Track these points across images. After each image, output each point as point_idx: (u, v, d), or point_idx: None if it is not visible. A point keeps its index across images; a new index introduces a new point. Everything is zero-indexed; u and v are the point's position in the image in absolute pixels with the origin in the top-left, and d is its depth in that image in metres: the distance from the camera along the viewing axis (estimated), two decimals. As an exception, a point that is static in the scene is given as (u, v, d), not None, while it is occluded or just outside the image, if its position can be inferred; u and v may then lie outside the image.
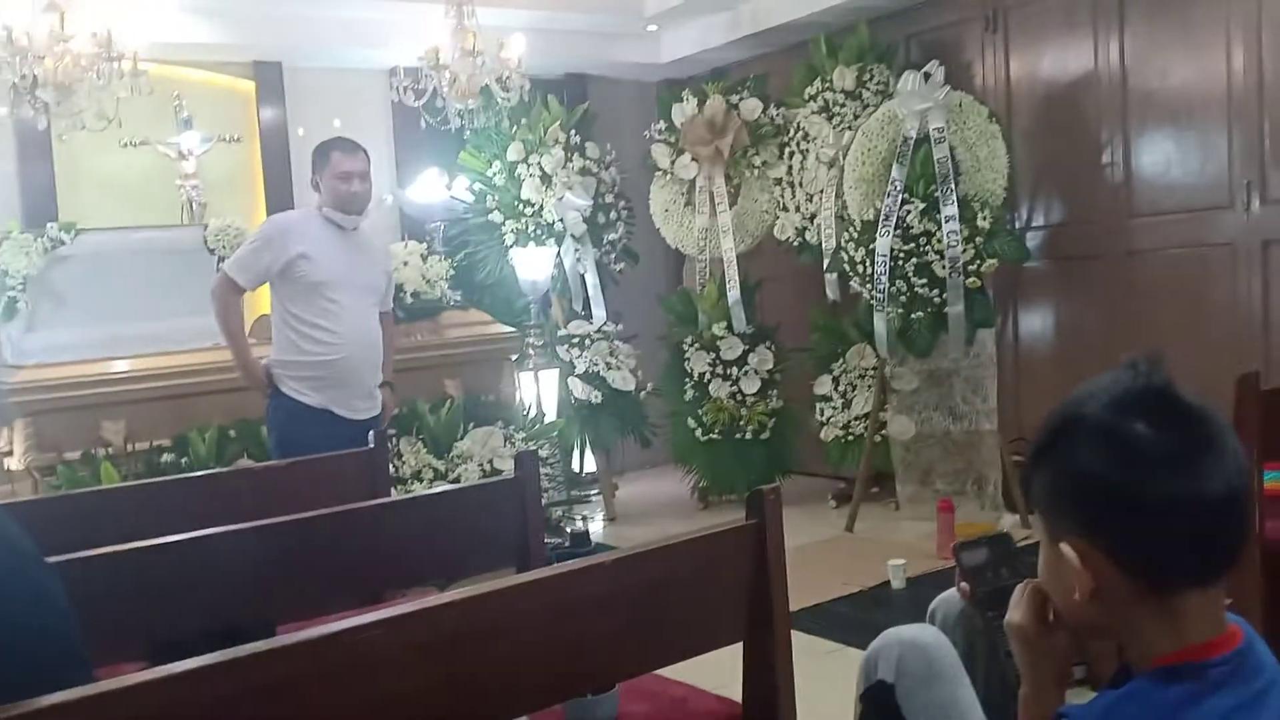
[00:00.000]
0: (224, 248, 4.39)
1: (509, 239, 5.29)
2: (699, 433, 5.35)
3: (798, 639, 3.01)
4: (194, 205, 4.82)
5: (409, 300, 4.59)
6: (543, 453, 4.64)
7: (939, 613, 1.51)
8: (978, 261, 4.49)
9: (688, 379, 5.41)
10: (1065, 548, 1.03)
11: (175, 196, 4.83)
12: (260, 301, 4.19)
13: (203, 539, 1.94)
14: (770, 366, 5.38)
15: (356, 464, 2.74)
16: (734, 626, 1.70)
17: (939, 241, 4.51)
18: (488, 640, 1.42)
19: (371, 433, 2.76)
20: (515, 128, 5.30)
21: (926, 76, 4.66)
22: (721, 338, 5.36)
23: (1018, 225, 4.91)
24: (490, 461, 4.29)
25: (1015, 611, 1.14)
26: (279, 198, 5.22)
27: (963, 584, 1.34)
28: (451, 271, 4.84)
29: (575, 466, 5.48)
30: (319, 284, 3.38)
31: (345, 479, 2.65)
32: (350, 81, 5.52)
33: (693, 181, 5.46)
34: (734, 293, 5.34)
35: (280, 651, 1.23)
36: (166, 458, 3.91)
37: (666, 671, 1.78)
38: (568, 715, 1.74)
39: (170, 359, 4.09)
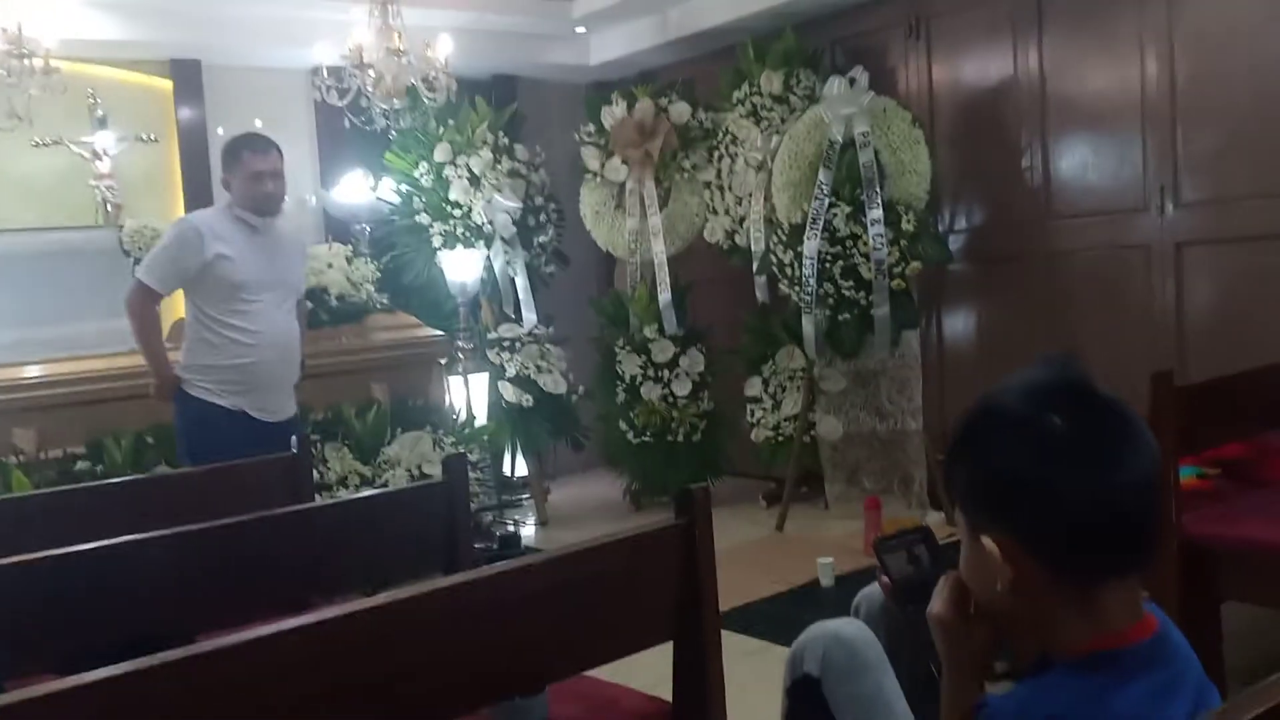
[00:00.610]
0: (140, 249, 4.27)
1: (437, 241, 5.23)
2: (631, 435, 5.35)
3: (728, 638, 3.02)
4: (109, 206, 4.69)
5: (334, 303, 4.52)
6: (473, 457, 4.60)
7: (862, 607, 1.53)
8: (902, 264, 4.57)
9: (619, 382, 5.40)
10: (986, 540, 1.04)
11: (90, 197, 4.70)
12: (176, 304, 4.09)
13: (118, 547, 1.88)
14: (701, 369, 5.40)
15: (279, 470, 2.68)
16: (664, 626, 1.69)
17: (865, 244, 4.57)
18: (412, 645, 1.40)
19: (294, 437, 2.70)
20: (442, 129, 5.25)
21: (851, 82, 4.72)
22: (653, 340, 5.36)
23: (941, 228, 5.00)
24: (419, 466, 4.24)
25: (936, 603, 1.15)
26: (198, 198, 5.10)
27: (883, 578, 1.36)
28: (378, 274, 4.78)
29: (506, 470, 5.44)
30: (236, 284, 3.30)
31: (268, 485, 2.59)
32: (272, 80, 5.42)
33: (623, 184, 5.46)
34: (665, 295, 5.36)
35: (195, 660, 1.19)
36: (81, 465, 3.79)
37: (597, 672, 1.76)
38: None
39: (84, 363, 3.97)
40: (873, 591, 1.50)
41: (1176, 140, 4.23)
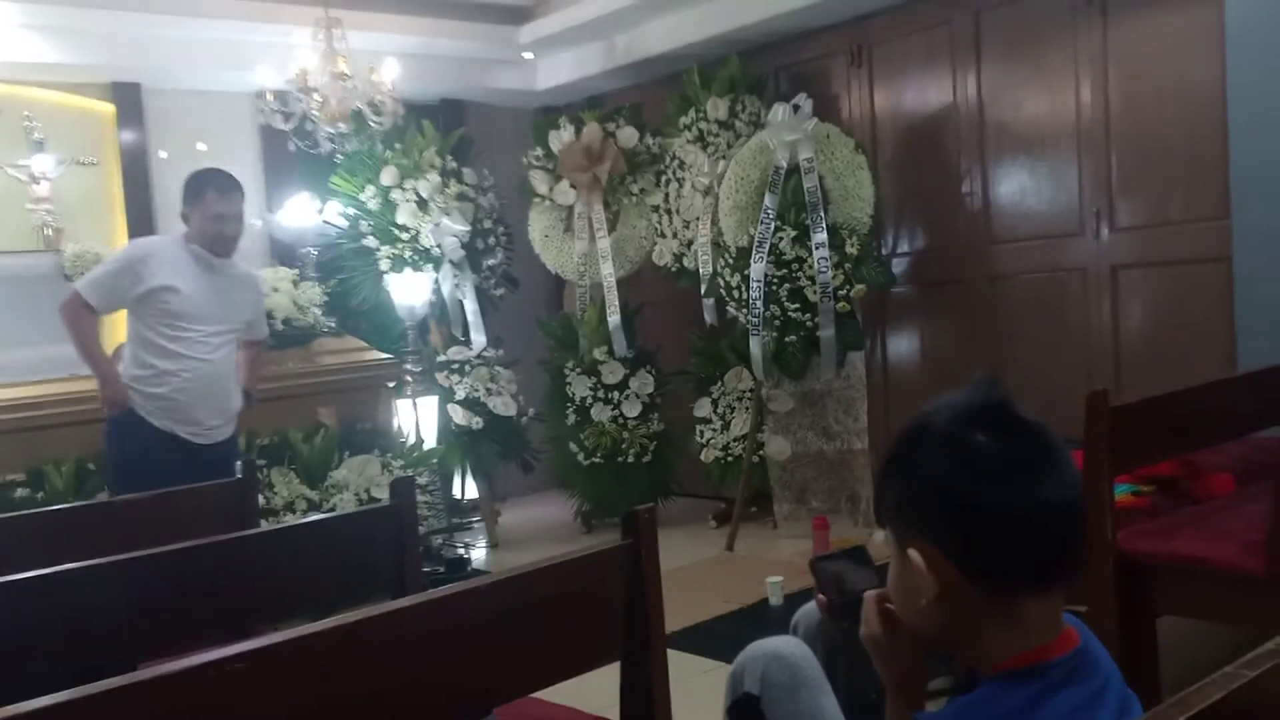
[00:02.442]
0: (80, 273, 4.21)
1: (385, 264, 5.22)
2: (581, 457, 5.36)
3: (678, 658, 3.03)
4: (49, 230, 4.62)
5: (280, 327, 4.48)
6: (422, 480, 4.58)
7: (801, 625, 1.55)
8: (847, 286, 4.64)
9: (569, 403, 5.41)
10: (913, 553, 1.06)
11: (28, 221, 4.62)
12: (119, 329, 4.04)
13: (58, 575, 1.85)
14: (651, 390, 5.43)
15: (224, 495, 2.65)
16: (611, 646, 1.70)
17: (810, 267, 4.64)
18: (358, 670, 1.40)
19: (239, 463, 2.68)
20: (389, 152, 5.24)
21: (795, 108, 4.80)
22: (603, 362, 5.38)
23: (884, 252, 5.09)
24: (367, 490, 4.21)
25: (864, 623, 1.18)
26: (140, 222, 5.05)
27: (820, 596, 1.38)
28: (324, 297, 4.75)
29: (456, 493, 5.42)
30: (176, 314, 3.31)
31: (212, 511, 2.56)
32: (215, 104, 5.38)
33: (571, 208, 5.50)
34: (614, 318, 5.38)
35: (134, 689, 1.18)
36: (20, 492, 3.72)
37: (545, 694, 1.77)
38: (444, 744, 1.72)
39: (23, 389, 3.90)
40: (811, 609, 1.52)
41: (1111, 165, 4.36)
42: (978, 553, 1.04)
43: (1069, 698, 1.03)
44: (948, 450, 1.06)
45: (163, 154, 5.18)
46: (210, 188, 3.37)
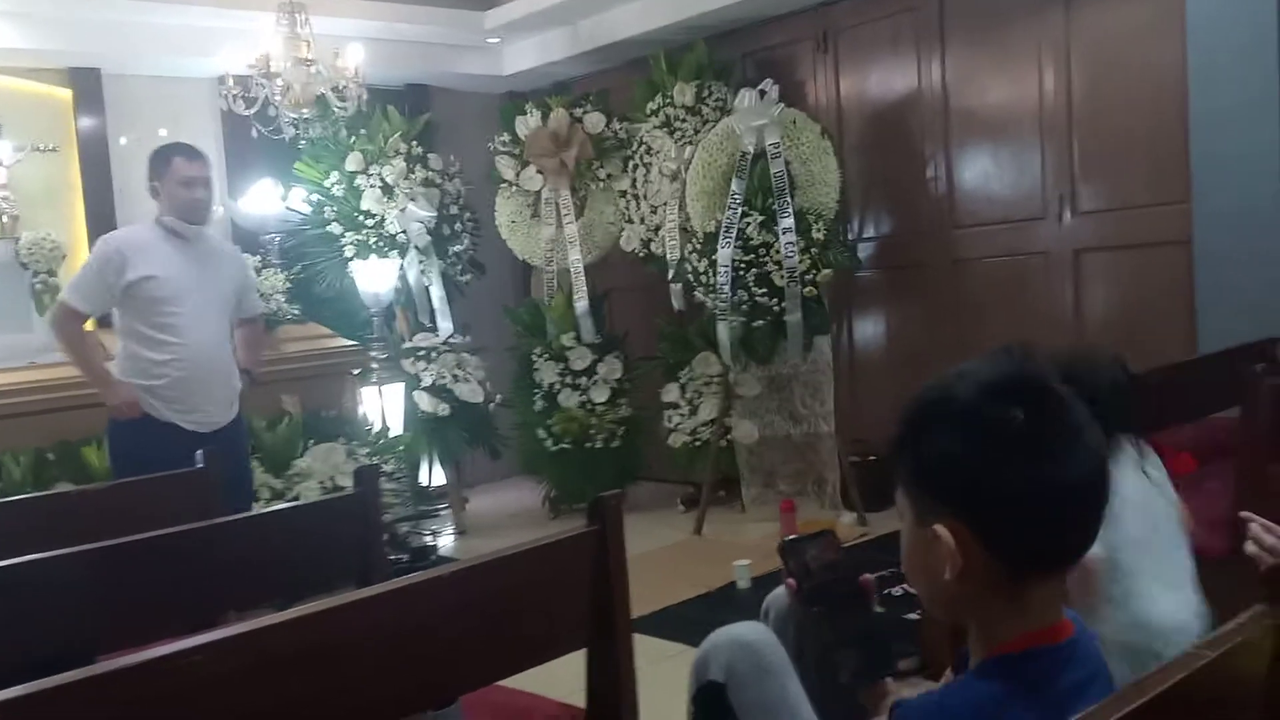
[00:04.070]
0: (37, 261, 4.15)
1: (349, 251, 5.17)
2: (549, 443, 5.35)
3: (645, 643, 3.04)
4: (5, 218, 4.54)
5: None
6: (388, 468, 4.56)
7: (771, 610, 1.56)
8: (813, 271, 4.65)
9: (537, 390, 5.40)
10: (940, 529, 1.03)
11: (-16, 208, 4.54)
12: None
13: (19, 567, 1.82)
14: (619, 376, 5.43)
15: (186, 484, 2.62)
16: (577, 633, 1.70)
17: (777, 252, 4.64)
18: (320, 661, 1.38)
19: (200, 451, 2.64)
20: (354, 138, 5.19)
21: (762, 94, 4.80)
22: (570, 348, 5.37)
23: (850, 236, 5.11)
24: (332, 478, 4.18)
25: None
26: (100, 209, 4.96)
27: (789, 580, 1.38)
28: (288, 284, 4.70)
29: (424, 480, 5.39)
30: (160, 299, 3.27)
31: (174, 500, 2.53)
32: (176, 89, 5.30)
33: (538, 193, 5.47)
34: (582, 303, 5.37)
35: (91, 682, 1.16)
36: (-23, 485, 3.66)
37: (511, 681, 1.77)
38: (409, 733, 1.71)
39: (-20, 380, 3.83)
40: (781, 595, 1.52)
41: (1073, 150, 4.40)
42: (1003, 531, 1.02)
43: (1067, 681, 1.04)
44: (981, 424, 1.02)
45: (123, 140, 5.10)
46: (177, 155, 3.37)
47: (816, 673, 1.43)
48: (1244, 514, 1.43)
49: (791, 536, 1.47)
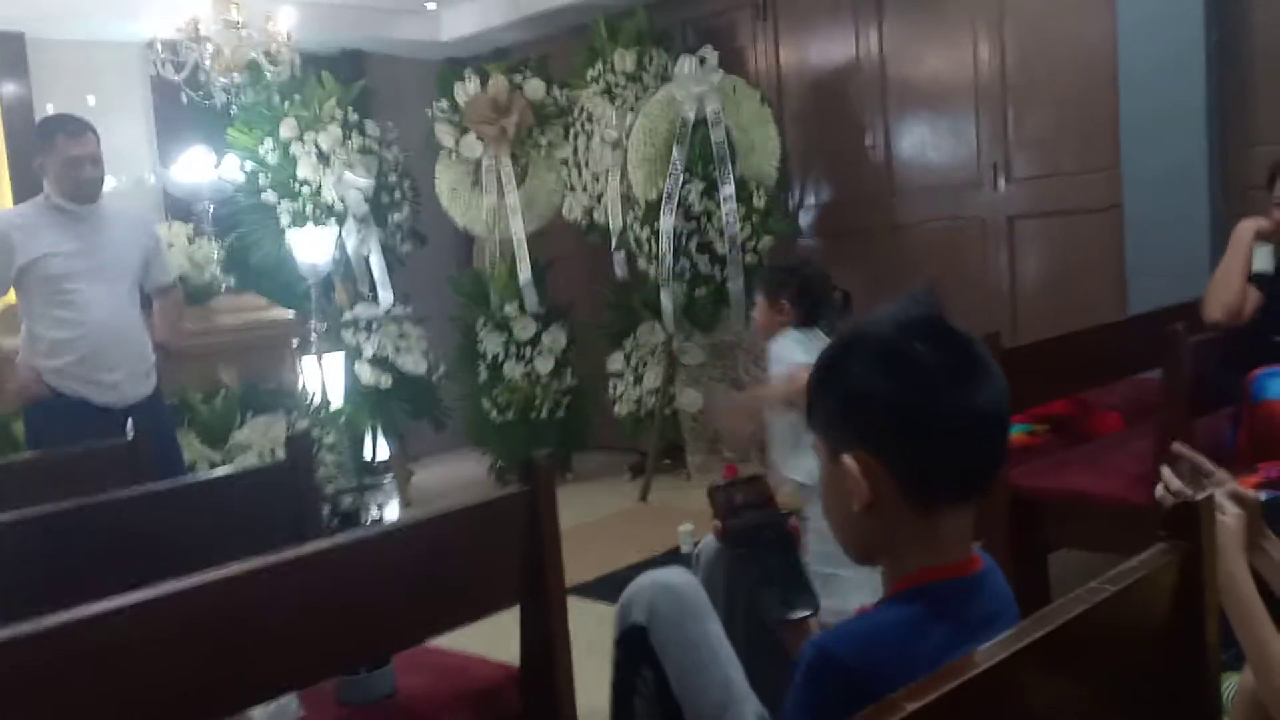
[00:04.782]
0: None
1: (285, 220, 5.08)
2: (494, 414, 5.33)
3: (590, 606, 3.06)
4: (-75, 187, 4.40)
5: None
6: (330, 440, 4.51)
7: (702, 555, 1.58)
8: (755, 239, 4.67)
9: (481, 360, 5.37)
10: (847, 459, 1.08)
11: (-98, 177, 4.40)
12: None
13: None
14: (563, 345, 5.42)
15: (116, 456, 2.58)
16: (510, 591, 1.71)
17: (718, 220, 4.66)
18: (252, 620, 1.38)
19: (130, 420, 2.60)
20: (288, 104, 5.09)
21: (702, 61, 4.79)
22: (514, 318, 5.35)
23: (791, 204, 5.14)
24: (273, 450, 4.13)
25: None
26: (25, 180, 4.80)
27: (715, 522, 1.40)
28: (222, 254, 4.61)
29: (367, 454, 5.35)
30: (56, 277, 3.16)
31: (103, 473, 2.49)
32: (103, 54, 5.15)
33: (478, 161, 5.42)
34: (525, 273, 5.34)
35: (14, 642, 1.15)
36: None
37: (445, 641, 1.77)
38: (341, 696, 1.71)
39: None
40: (711, 540, 1.55)
41: (1007, 119, 4.46)
42: (913, 459, 1.06)
43: (972, 613, 1.07)
44: (887, 359, 1.07)
45: (49, 108, 4.95)
46: (59, 132, 3.19)
47: (745, 614, 1.46)
48: (1176, 445, 1.48)
49: (722, 481, 1.49)
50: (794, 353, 2.86)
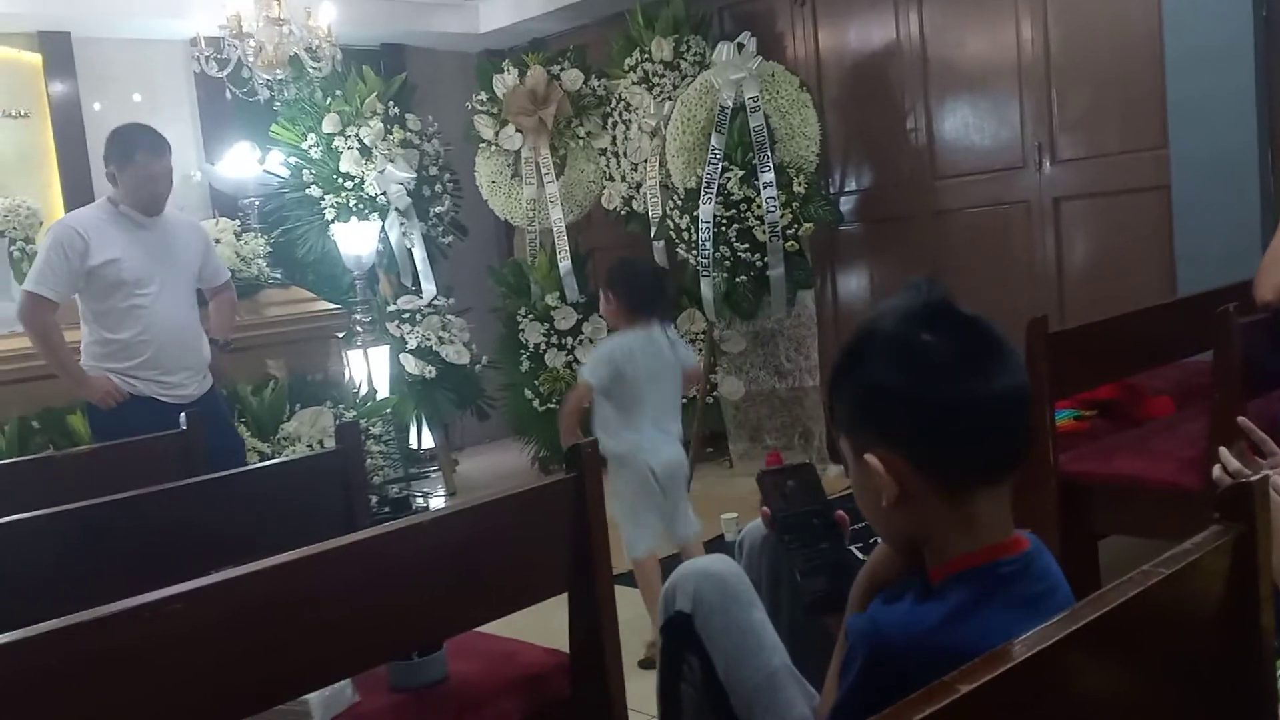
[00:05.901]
0: (14, 228, 4.12)
1: (329, 214, 5.14)
2: (536, 403, 5.36)
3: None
4: (-21, 185, 4.50)
5: (224, 279, 4.41)
6: (376, 430, 4.56)
7: (746, 541, 1.58)
8: (795, 225, 4.65)
9: (523, 350, 5.40)
10: (870, 458, 1.08)
11: (-43, 176, 4.50)
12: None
13: (4, 528, 1.83)
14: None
15: (170, 447, 2.63)
16: (558, 578, 1.73)
17: (758, 207, 4.64)
18: (300, 608, 1.40)
19: (183, 415, 2.65)
20: (330, 99, 5.14)
21: (740, 48, 4.77)
22: (555, 308, 5.37)
23: (831, 190, 5.10)
24: (320, 442, 4.18)
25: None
26: (75, 175, 4.92)
27: (764, 509, 1.40)
28: (268, 248, 4.67)
29: (413, 443, 5.40)
30: (124, 282, 3.22)
31: (159, 463, 2.54)
32: (148, 52, 5.23)
33: (518, 152, 5.44)
34: (565, 263, 5.36)
35: (71, 630, 1.18)
36: (-39, 454, 3.65)
37: (493, 627, 1.79)
38: (393, 681, 1.74)
39: (-40, 350, 3.81)
40: (757, 526, 1.55)
41: (1051, 100, 4.39)
42: (932, 447, 1.06)
43: (1018, 593, 1.07)
44: (896, 351, 1.07)
45: (97, 106, 5.04)
46: (140, 149, 3.24)
47: (791, 601, 1.46)
48: (1242, 419, 1.47)
49: (771, 467, 1.49)
50: (593, 365, 3.06)
